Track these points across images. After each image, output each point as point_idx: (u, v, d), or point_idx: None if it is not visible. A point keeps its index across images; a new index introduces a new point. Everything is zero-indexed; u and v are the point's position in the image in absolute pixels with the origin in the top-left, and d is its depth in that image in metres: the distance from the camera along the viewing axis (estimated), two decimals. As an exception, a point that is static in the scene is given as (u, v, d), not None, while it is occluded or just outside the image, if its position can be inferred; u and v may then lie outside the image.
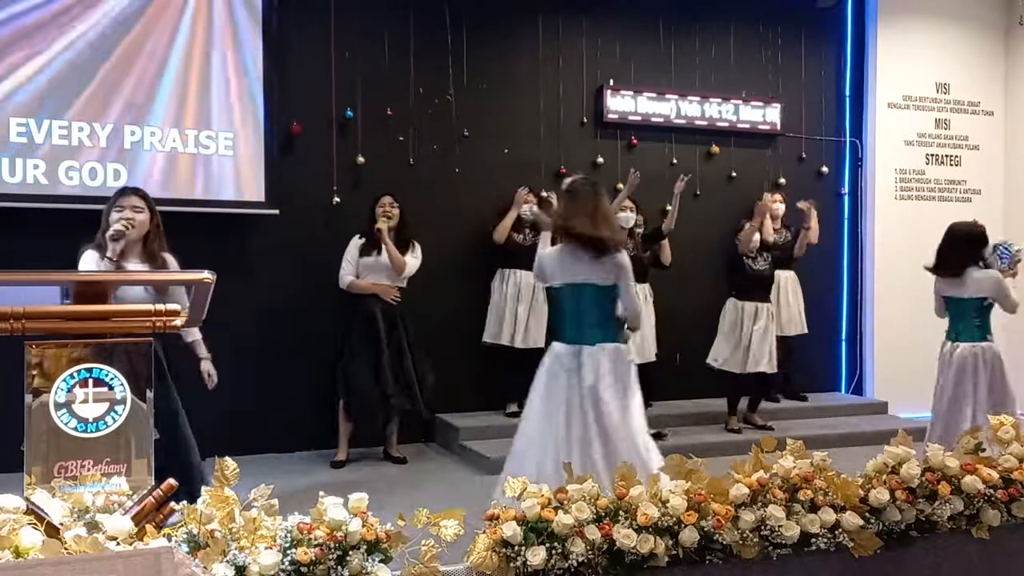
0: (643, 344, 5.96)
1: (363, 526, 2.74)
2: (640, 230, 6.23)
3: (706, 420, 6.47)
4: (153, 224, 3.83)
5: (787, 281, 6.75)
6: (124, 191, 3.95)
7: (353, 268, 5.47)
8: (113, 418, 2.74)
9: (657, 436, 5.99)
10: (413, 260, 5.49)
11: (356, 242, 5.51)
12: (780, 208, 6.78)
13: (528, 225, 6.11)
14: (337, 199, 5.88)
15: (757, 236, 6.24)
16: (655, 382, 6.25)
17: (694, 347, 6.53)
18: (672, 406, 6.63)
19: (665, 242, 6.21)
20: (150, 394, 2.80)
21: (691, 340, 6.56)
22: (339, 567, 2.65)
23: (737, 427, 6.27)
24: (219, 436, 4.99)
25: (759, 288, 6.29)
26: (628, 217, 5.98)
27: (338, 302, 5.55)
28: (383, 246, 5.39)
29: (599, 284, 3.93)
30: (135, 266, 3.71)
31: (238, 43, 5.65)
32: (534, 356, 6.09)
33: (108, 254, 3.59)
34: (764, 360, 6.24)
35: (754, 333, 6.21)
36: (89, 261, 3.69)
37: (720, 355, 6.27)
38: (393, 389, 5.37)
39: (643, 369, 5.97)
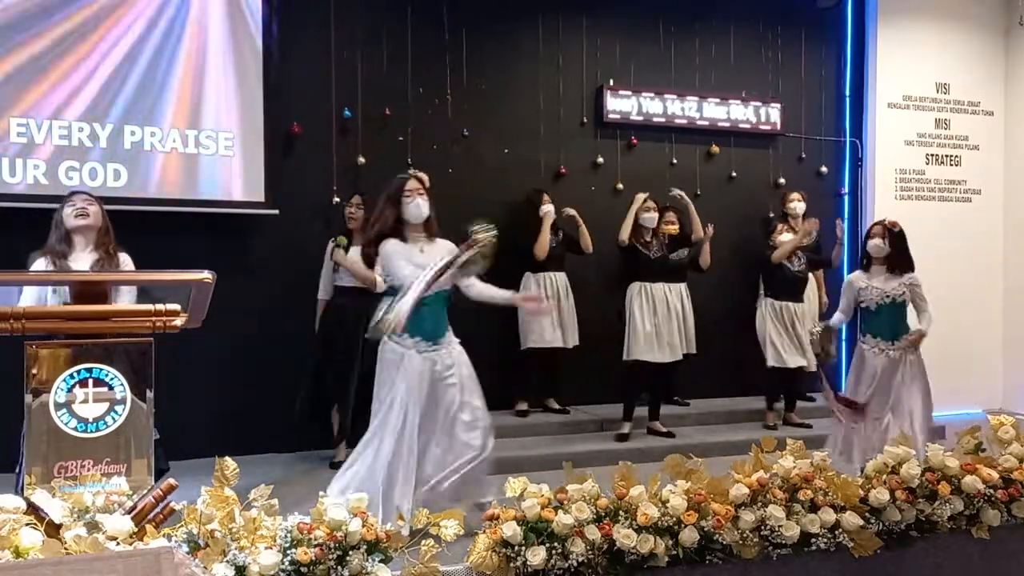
0: (671, 341, 6.00)
1: (363, 526, 2.74)
2: (669, 228, 6.19)
3: (706, 420, 6.47)
4: (105, 220, 3.93)
5: (813, 282, 6.75)
6: (74, 193, 4.06)
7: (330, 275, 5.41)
8: (113, 418, 2.74)
9: (666, 435, 6.03)
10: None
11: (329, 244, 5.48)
12: (801, 207, 6.76)
13: (556, 229, 6.14)
14: (336, 199, 5.87)
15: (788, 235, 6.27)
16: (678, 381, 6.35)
17: (698, 347, 6.52)
18: (672, 406, 6.63)
19: (705, 246, 6.23)
20: (150, 394, 2.80)
21: (696, 340, 6.55)
22: (339, 567, 2.66)
23: (774, 423, 6.30)
24: (219, 436, 5.00)
25: (795, 288, 6.36)
26: (652, 217, 5.99)
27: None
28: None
29: None
30: (88, 256, 3.78)
31: (238, 43, 5.64)
32: (539, 356, 6.18)
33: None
34: (807, 356, 6.30)
35: (799, 331, 6.29)
36: (38, 267, 3.72)
37: (775, 355, 6.31)
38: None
39: (668, 367, 6.05)
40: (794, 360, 6.29)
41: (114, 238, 3.98)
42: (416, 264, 3.97)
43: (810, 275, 6.77)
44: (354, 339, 5.33)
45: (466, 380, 4.11)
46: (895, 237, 4.98)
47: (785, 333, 6.30)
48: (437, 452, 4.00)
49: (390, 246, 4.04)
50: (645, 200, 6.06)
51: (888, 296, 4.96)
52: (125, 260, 3.93)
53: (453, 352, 4.10)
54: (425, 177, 4.28)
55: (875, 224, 5.12)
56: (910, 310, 5.04)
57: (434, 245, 4.12)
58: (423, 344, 4.04)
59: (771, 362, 6.31)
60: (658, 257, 6.03)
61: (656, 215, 6.02)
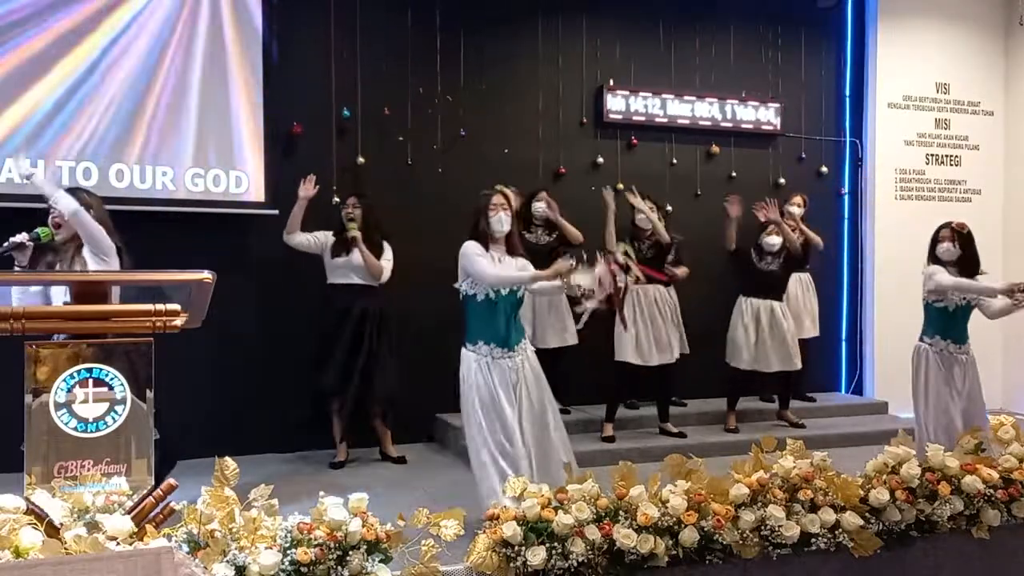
0: (661, 343, 5.96)
1: (363, 526, 2.75)
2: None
3: (706, 420, 6.46)
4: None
5: (799, 283, 6.72)
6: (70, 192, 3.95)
7: (308, 238, 5.44)
8: (113, 418, 2.74)
9: (678, 435, 6.03)
10: (387, 264, 5.47)
11: (328, 236, 5.48)
12: (799, 212, 6.73)
13: (541, 223, 6.10)
14: (336, 199, 5.87)
15: (775, 239, 6.17)
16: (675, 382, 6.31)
17: (693, 346, 6.52)
18: (671, 406, 6.62)
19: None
20: (150, 394, 2.80)
21: (690, 340, 6.56)
22: (339, 567, 2.66)
23: (735, 426, 6.27)
24: (219, 436, 5.00)
25: (769, 287, 6.27)
26: (646, 219, 5.93)
27: (323, 305, 5.54)
28: (358, 250, 5.38)
29: None
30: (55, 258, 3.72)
31: (238, 43, 5.64)
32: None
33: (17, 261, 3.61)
34: (782, 360, 6.23)
35: (766, 332, 6.21)
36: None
37: (736, 354, 6.28)
38: (367, 390, 5.36)
39: (664, 368, 6.03)
40: (749, 362, 6.21)
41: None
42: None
43: (803, 277, 6.75)
44: (355, 337, 5.34)
45: (542, 385, 4.16)
46: (964, 239, 4.92)
47: (752, 333, 6.21)
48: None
49: (473, 247, 4.13)
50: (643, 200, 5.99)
51: (965, 298, 4.87)
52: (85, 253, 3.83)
53: (530, 358, 4.16)
54: (511, 194, 4.36)
55: (943, 227, 5.01)
56: None
57: (509, 260, 4.20)
58: (499, 351, 4.08)
59: (727, 359, 6.29)
60: (649, 260, 5.98)
61: (651, 215, 5.97)
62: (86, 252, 3.76)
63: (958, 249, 4.84)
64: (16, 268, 3.61)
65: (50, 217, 3.76)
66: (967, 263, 4.85)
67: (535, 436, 4.04)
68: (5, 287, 3.15)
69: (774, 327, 6.24)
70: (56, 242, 3.71)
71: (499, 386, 4.02)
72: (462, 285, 4.13)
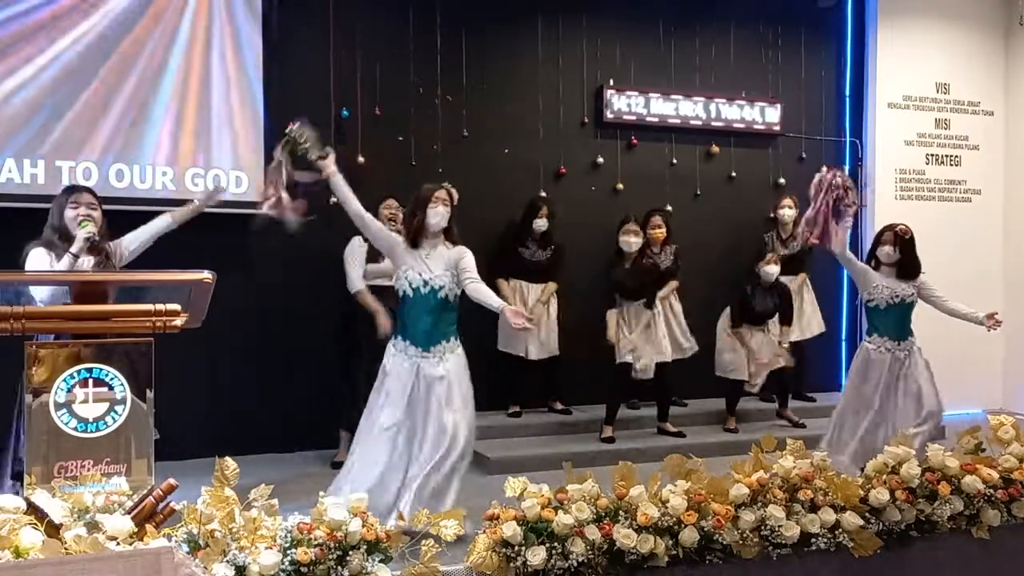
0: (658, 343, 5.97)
1: (363, 526, 2.75)
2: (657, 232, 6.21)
3: (706, 420, 6.46)
4: (104, 221, 4.01)
5: (798, 286, 6.71)
6: (77, 189, 4.07)
7: (361, 272, 5.34)
8: (113, 418, 2.74)
9: (677, 435, 6.03)
10: None
11: (361, 244, 5.36)
12: (791, 214, 6.72)
13: (537, 240, 6.10)
14: (334, 199, 5.86)
15: (773, 268, 6.20)
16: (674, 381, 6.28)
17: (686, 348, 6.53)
18: (671, 406, 6.62)
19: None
20: (150, 394, 2.80)
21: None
22: (339, 567, 2.66)
23: (735, 427, 6.28)
24: (219, 436, 5.00)
25: (761, 320, 6.28)
26: (635, 242, 5.89)
27: (338, 302, 5.53)
28: None
29: None
30: (86, 259, 3.82)
31: (238, 43, 5.64)
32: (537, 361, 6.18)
33: (74, 250, 3.74)
34: (774, 361, 6.27)
35: (754, 344, 6.24)
36: (40, 260, 3.75)
37: (724, 366, 6.29)
38: None
39: (659, 368, 6.02)
40: (741, 373, 6.26)
41: (109, 236, 4.07)
42: (415, 268, 4.11)
43: (799, 279, 6.74)
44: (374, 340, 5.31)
45: (451, 392, 4.06)
46: (905, 243, 5.00)
47: (739, 345, 6.27)
48: (420, 456, 4.02)
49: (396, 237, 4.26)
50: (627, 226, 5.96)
51: (898, 296, 4.99)
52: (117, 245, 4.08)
53: (447, 362, 4.09)
54: (455, 193, 4.36)
55: (886, 230, 5.07)
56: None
57: (443, 250, 4.18)
58: (412, 349, 4.09)
59: (718, 371, 6.33)
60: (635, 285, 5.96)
61: (640, 239, 5.90)
62: (126, 248, 4.06)
63: (897, 254, 5.02)
64: (73, 254, 3.75)
65: (76, 211, 3.85)
66: (906, 268, 5.02)
67: (417, 448, 4.00)
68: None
69: (764, 339, 6.29)
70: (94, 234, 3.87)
71: (397, 380, 4.04)
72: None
